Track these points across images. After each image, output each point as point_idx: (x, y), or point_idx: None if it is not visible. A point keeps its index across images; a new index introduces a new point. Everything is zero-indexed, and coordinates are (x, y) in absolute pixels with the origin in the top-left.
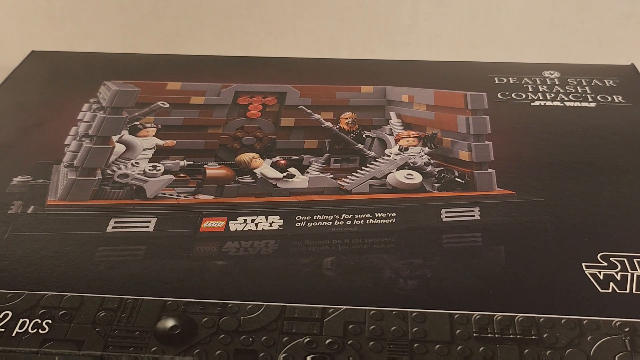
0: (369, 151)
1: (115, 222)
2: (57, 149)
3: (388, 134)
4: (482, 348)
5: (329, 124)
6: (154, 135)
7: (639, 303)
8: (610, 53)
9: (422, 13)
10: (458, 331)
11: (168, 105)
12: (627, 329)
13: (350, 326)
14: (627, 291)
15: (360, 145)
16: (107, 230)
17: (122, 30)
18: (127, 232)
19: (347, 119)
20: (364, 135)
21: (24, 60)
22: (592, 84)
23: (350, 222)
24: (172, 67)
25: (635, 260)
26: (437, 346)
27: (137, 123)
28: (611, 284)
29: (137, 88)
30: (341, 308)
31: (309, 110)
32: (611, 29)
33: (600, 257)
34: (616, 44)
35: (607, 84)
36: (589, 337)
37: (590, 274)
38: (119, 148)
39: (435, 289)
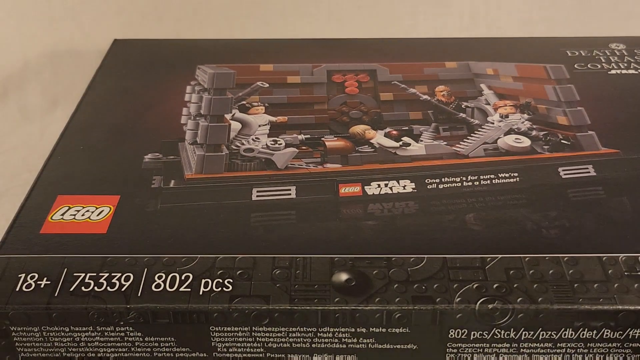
0: (472, 119)
1: (258, 191)
2: (174, 128)
3: (485, 104)
4: (636, 284)
5: (426, 96)
6: (264, 113)
7: None
8: None
9: None
10: (610, 271)
11: (268, 85)
12: None
13: (512, 271)
14: None
15: (462, 115)
16: (253, 199)
17: (192, 16)
18: (272, 200)
19: (442, 91)
20: (462, 106)
21: (109, 48)
22: None
23: (477, 182)
24: (258, 50)
25: None
26: (596, 285)
27: (244, 102)
28: None
29: (232, 70)
30: (497, 257)
31: (403, 85)
32: None
33: None
34: None
35: None
36: None
37: None
38: (235, 125)
39: (577, 236)
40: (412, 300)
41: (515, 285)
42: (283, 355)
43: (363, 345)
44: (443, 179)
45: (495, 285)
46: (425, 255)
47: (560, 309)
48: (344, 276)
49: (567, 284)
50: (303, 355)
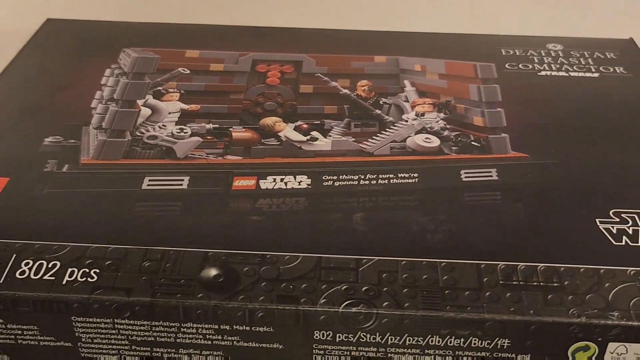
0: (387, 116)
1: (150, 180)
2: (84, 111)
3: (404, 101)
4: (508, 294)
5: (346, 91)
6: (177, 100)
7: None
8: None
9: None
10: (485, 279)
11: (189, 71)
12: None
13: (384, 275)
14: (639, 244)
15: (378, 111)
16: (143, 188)
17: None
18: (162, 190)
19: (363, 86)
20: (381, 102)
21: (40, 27)
22: (594, 56)
23: (375, 181)
24: (188, 36)
25: None
26: (467, 292)
27: (160, 88)
28: (624, 237)
29: (157, 55)
30: (374, 259)
31: (325, 78)
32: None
33: (613, 213)
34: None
35: (608, 56)
36: (607, 284)
37: (604, 228)
38: (145, 111)
39: (461, 241)
40: (277, 300)
41: (384, 289)
42: (149, 349)
43: (228, 342)
44: (341, 177)
45: (364, 288)
46: (301, 254)
47: (425, 315)
48: (213, 272)
49: (438, 290)
50: (169, 350)
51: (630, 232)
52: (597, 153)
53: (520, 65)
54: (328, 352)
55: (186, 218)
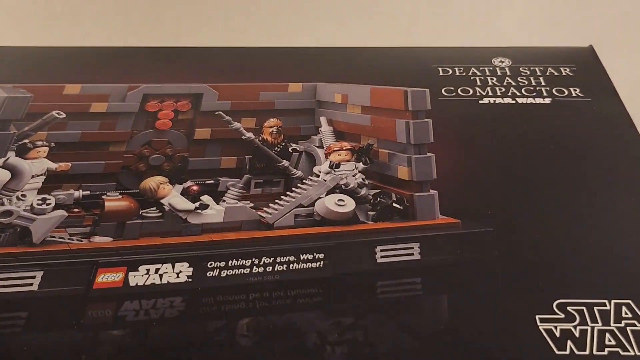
0: (295, 170)
1: None
2: None
3: (317, 146)
4: None
5: (250, 134)
6: (45, 157)
7: None
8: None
9: None
10: None
11: (64, 115)
12: None
13: None
14: (587, 352)
15: (285, 163)
16: None
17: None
18: (5, 294)
19: (271, 127)
20: (290, 149)
21: None
22: (547, 74)
23: (271, 267)
24: (73, 61)
25: (595, 308)
26: None
27: (26, 141)
28: (569, 342)
29: (29, 94)
30: None
31: (227, 117)
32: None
33: (557, 306)
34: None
35: (563, 73)
36: None
37: (544, 329)
38: (3, 175)
39: (366, 357)
40: None
41: None
42: None
43: None
44: (230, 262)
45: None
46: None
47: None
48: None
49: None
50: None
51: (577, 334)
52: (546, 212)
53: (459, 90)
54: None
55: (27, 338)
